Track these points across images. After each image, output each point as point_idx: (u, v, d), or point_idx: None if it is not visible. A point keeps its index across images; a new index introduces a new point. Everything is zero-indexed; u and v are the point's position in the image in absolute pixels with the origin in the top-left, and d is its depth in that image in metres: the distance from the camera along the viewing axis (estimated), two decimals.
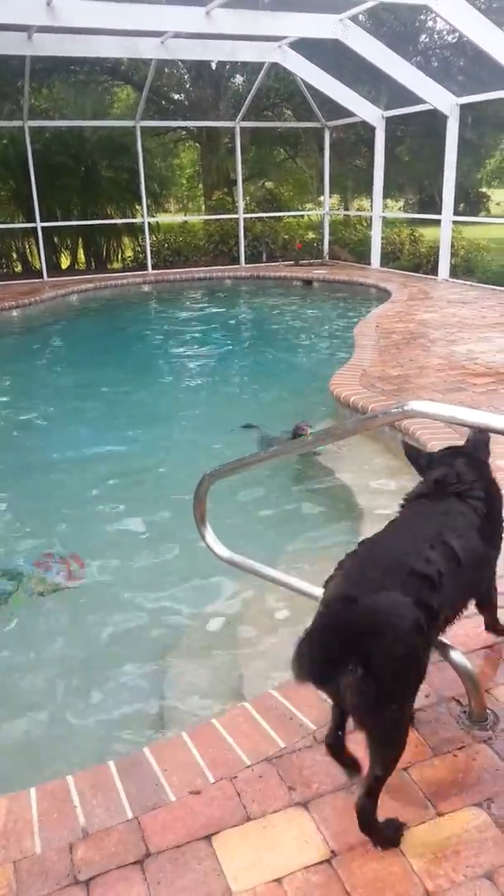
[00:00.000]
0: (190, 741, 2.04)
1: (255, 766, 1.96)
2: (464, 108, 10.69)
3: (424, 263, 12.54)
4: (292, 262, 14.42)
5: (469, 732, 2.07)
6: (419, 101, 10.64)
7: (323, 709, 2.16)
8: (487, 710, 2.13)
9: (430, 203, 14.07)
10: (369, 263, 13.40)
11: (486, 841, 1.74)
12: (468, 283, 11.20)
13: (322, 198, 15.43)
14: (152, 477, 4.93)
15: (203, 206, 19.47)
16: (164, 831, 1.77)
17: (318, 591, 2.50)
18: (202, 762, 1.96)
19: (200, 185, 21.45)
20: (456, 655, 2.09)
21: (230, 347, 9.30)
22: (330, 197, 15.85)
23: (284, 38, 11.10)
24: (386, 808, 1.82)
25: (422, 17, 17.69)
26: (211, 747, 2.02)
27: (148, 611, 3.29)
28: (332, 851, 1.71)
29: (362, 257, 13.95)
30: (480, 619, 2.59)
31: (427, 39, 18.55)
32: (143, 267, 13.96)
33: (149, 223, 13.94)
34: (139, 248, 14.69)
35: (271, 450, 2.47)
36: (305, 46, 11.52)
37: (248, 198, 16.98)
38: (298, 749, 2.01)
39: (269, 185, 18.15)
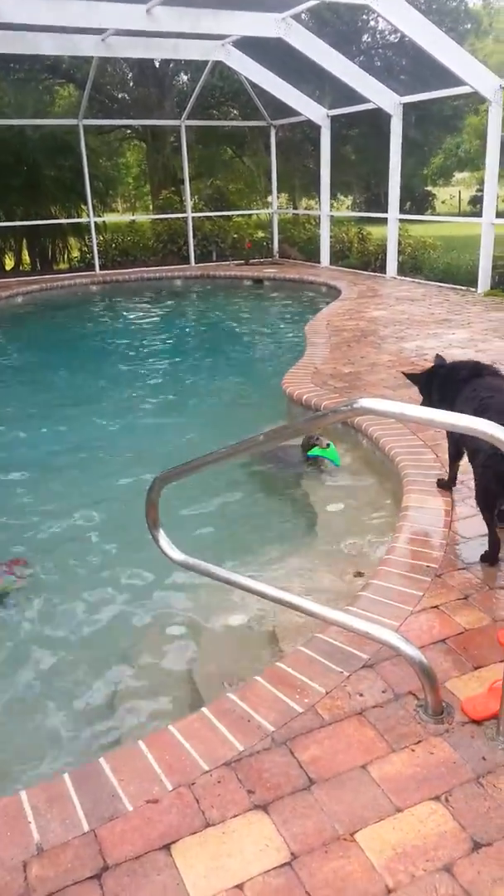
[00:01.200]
0: (146, 749, 2.00)
1: (214, 771, 1.93)
2: (407, 106, 10.84)
3: (373, 261, 12.68)
4: (242, 262, 14.42)
5: (426, 727, 2.09)
6: (363, 100, 10.75)
7: (281, 709, 2.15)
8: (443, 704, 2.15)
9: (378, 201, 14.25)
10: (319, 262, 13.49)
11: (444, 834, 1.75)
12: (416, 280, 11.37)
13: (270, 197, 15.47)
14: (103, 480, 4.86)
15: (151, 206, 19.32)
16: (122, 843, 1.73)
17: (274, 592, 2.50)
18: (159, 770, 1.93)
19: (147, 184, 21.28)
20: (411, 650, 2.10)
21: (181, 348, 9.24)
22: (278, 196, 15.90)
23: (228, 36, 11.08)
24: (344, 805, 1.82)
25: (364, 16, 17.91)
26: (168, 754, 1.99)
27: (101, 617, 3.24)
28: (293, 853, 1.70)
29: (312, 256, 14.03)
30: (434, 614, 2.63)
31: (370, 39, 18.80)
32: (91, 267, 13.77)
33: (95, 223, 13.76)
34: (86, 249, 14.49)
35: (223, 449, 2.44)
36: (249, 45, 11.52)
37: (196, 197, 16.90)
38: (257, 751, 2.00)
39: (217, 183, 18.09)
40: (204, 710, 2.16)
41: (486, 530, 3.01)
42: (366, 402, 2.12)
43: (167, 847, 1.72)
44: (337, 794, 1.86)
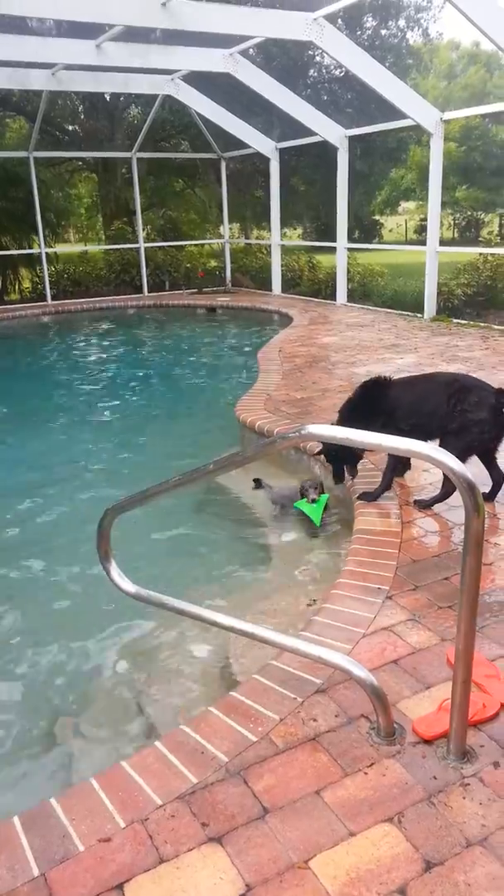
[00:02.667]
0: (99, 786, 1.97)
1: (167, 805, 1.91)
2: (352, 139, 11.16)
3: (323, 289, 12.92)
4: (195, 290, 14.53)
5: (378, 749, 2.10)
6: (310, 132, 11.03)
7: (235, 739, 2.15)
8: (395, 725, 2.17)
9: (327, 231, 14.55)
10: (271, 290, 13.68)
11: (398, 856, 1.76)
12: (365, 306, 11.61)
13: (222, 227, 15.67)
14: (54, 512, 4.80)
15: (103, 236, 19.36)
16: (73, 885, 1.70)
17: (227, 621, 2.50)
18: (111, 807, 1.90)
19: (99, 215, 21.34)
20: (362, 673, 2.12)
21: (133, 377, 9.23)
22: (230, 226, 16.12)
23: (177, 71, 11.28)
24: (298, 833, 1.82)
25: (310, 52, 18.39)
26: (121, 790, 1.96)
27: (51, 653, 3.18)
28: (247, 885, 1.69)
29: (264, 284, 14.23)
30: (386, 635, 2.66)
31: (316, 73, 19.27)
32: (42, 298, 13.71)
33: (46, 253, 13.72)
34: (37, 279, 14.43)
35: (174, 479, 2.45)
36: (198, 79, 11.75)
37: (148, 227, 17.02)
38: (211, 783, 1.98)
39: (169, 214, 18.26)
40: (157, 743, 2.14)
41: (435, 550, 3.07)
42: (312, 429, 2.16)
43: (120, 887, 1.69)
44: (291, 821, 1.86)
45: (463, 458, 3.62)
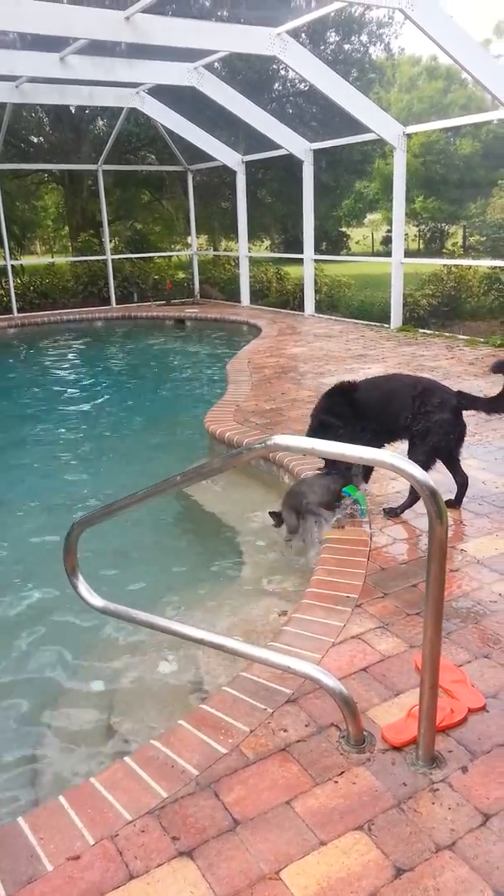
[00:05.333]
0: (67, 804, 1.95)
1: (137, 820, 1.90)
2: (317, 152, 11.29)
3: (291, 300, 13.01)
4: (164, 302, 14.54)
5: (348, 757, 2.12)
6: (275, 146, 11.13)
7: (205, 752, 2.14)
8: (364, 733, 2.18)
9: (295, 242, 14.68)
10: (239, 301, 13.74)
11: (368, 864, 1.77)
12: (333, 317, 11.72)
13: (190, 238, 15.71)
14: (20, 527, 4.75)
15: (70, 248, 19.28)
16: None
17: (197, 633, 2.50)
18: (80, 824, 1.88)
19: (66, 227, 21.26)
20: (330, 682, 2.14)
21: (102, 389, 9.19)
22: (197, 237, 16.17)
23: (142, 84, 11.32)
24: (269, 844, 1.82)
25: (274, 66, 18.61)
26: (90, 807, 1.94)
27: (17, 671, 3.14)
28: None
29: (232, 295, 14.29)
30: (355, 644, 2.68)
31: (281, 87, 19.49)
32: (8, 310, 13.59)
33: (12, 266, 13.62)
34: (2, 292, 14.30)
35: (141, 491, 2.45)
36: (163, 92, 11.80)
37: (116, 239, 16.99)
38: (181, 797, 1.98)
39: (137, 225, 18.25)
40: (127, 759, 2.13)
41: (403, 557, 3.11)
42: (279, 439, 2.18)
43: None
44: (262, 832, 1.86)
45: (431, 459, 3.75)
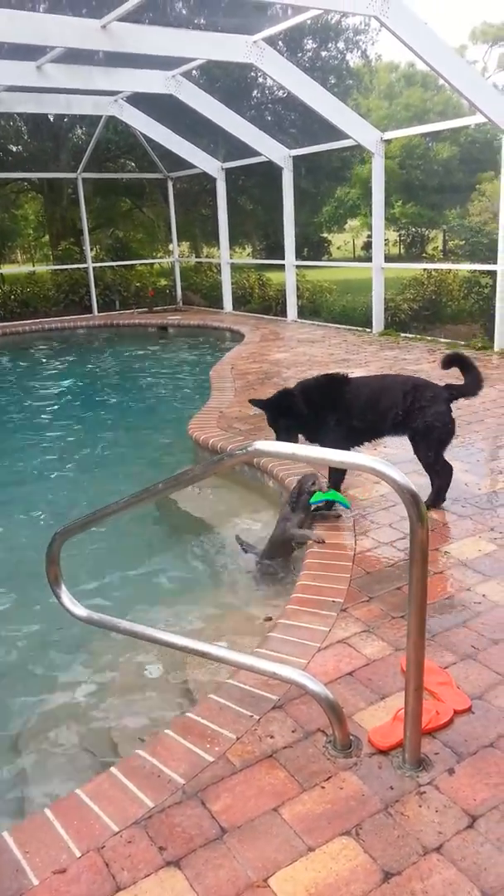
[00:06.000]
0: (53, 817, 1.93)
1: (124, 831, 1.89)
2: (297, 159, 11.35)
3: (274, 306, 13.04)
4: (146, 310, 14.52)
5: (335, 762, 2.11)
6: (255, 153, 11.18)
7: (191, 760, 2.13)
8: (351, 737, 2.18)
9: (277, 248, 14.70)
10: (222, 308, 13.75)
11: (356, 869, 1.77)
12: (315, 322, 11.76)
13: (171, 245, 15.71)
14: (2, 536, 4.72)
15: (51, 256, 19.21)
16: None
17: (182, 641, 2.49)
18: (67, 837, 1.87)
19: (46, 235, 21.20)
20: (316, 687, 2.14)
21: (85, 397, 9.15)
22: (179, 244, 16.17)
23: (120, 92, 11.32)
24: (256, 851, 1.81)
25: (252, 73, 18.69)
26: (76, 819, 1.92)
27: (3, 684, 3.11)
28: None
29: (215, 302, 14.29)
30: (341, 648, 2.68)
31: (259, 94, 19.55)
32: None
33: None
34: None
35: (123, 500, 2.44)
36: (142, 100, 11.81)
37: (97, 247, 16.96)
38: (168, 806, 1.97)
39: (118, 233, 18.22)
40: (113, 769, 2.11)
41: (388, 560, 3.12)
42: (260, 445, 2.18)
43: None
44: (249, 840, 1.85)
45: (439, 453, 3.91)
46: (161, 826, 1.90)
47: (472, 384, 3.93)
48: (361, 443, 4.08)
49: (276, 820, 1.92)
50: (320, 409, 3.91)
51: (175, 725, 2.29)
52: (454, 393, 3.92)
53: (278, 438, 4.00)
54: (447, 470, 3.99)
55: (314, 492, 3.75)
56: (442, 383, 3.98)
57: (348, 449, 3.95)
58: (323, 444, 3.80)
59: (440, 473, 3.96)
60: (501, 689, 2.42)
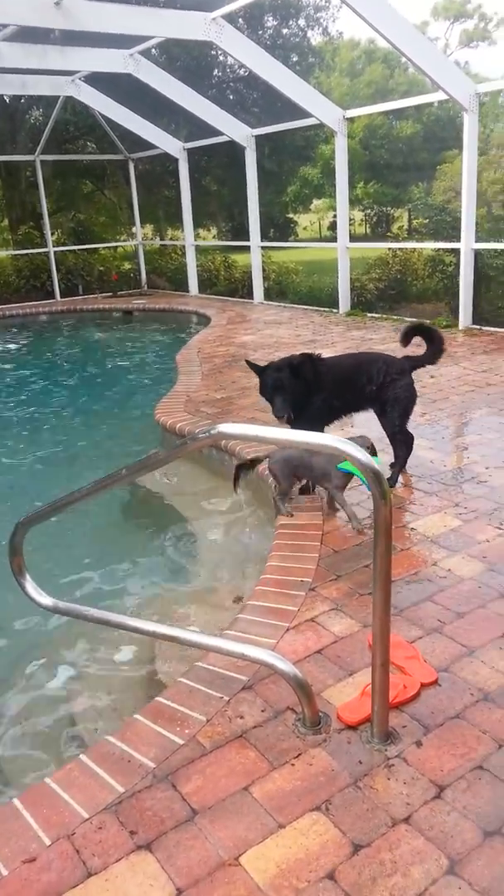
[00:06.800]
0: (22, 806, 1.92)
1: (94, 817, 1.88)
2: (260, 138, 11.23)
3: (240, 288, 12.96)
4: (110, 294, 14.34)
5: (304, 739, 2.13)
6: (217, 132, 11.04)
7: (161, 744, 2.14)
8: (320, 714, 2.20)
9: (242, 229, 14.58)
10: (188, 291, 13.63)
11: (326, 843, 1.79)
12: (282, 304, 11.73)
13: (134, 228, 15.50)
14: None
15: (10, 241, 18.83)
16: None
17: (150, 627, 2.49)
18: (36, 825, 1.86)
19: (5, 220, 20.75)
20: (285, 666, 2.15)
21: (50, 384, 9.03)
22: (142, 227, 15.96)
23: (77, 72, 11.08)
24: (228, 831, 1.82)
25: (213, 52, 18.44)
26: (45, 808, 1.92)
27: None
28: (178, 888, 1.68)
29: (180, 285, 14.17)
30: (309, 627, 2.70)
31: (220, 73, 19.31)
32: None
33: None
34: None
35: (86, 487, 2.41)
36: (100, 80, 11.58)
37: (58, 231, 16.67)
38: (138, 790, 1.97)
39: (79, 216, 17.90)
40: (82, 756, 2.11)
41: (356, 539, 3.15)
42: (224, 428, 2.16)
43: None
44: (220, 820, 1.86)
45: (404, 422, 4.07)
46: (132, 811, 1.90)
47: (434, 352, 4.12)
48: (334, 420, 4.14)
49: (247, 799, 1.93)
50: (306, 387, 3.93)
51: (145, 710, 2.29)
52: (415, 364, 4.14)
53: (281, 409, 3.88)
54: (410, 438, 4.15)
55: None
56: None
57: (323, 427, 4.03)
58: (304, 422, 3.85)
59: (405, 441, 4.12)
60: (467, 662, 2.46)
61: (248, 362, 4.13)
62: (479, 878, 1.67)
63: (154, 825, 1.85)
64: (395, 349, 7.63)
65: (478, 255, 8.53)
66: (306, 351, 4.15)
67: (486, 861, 1.72)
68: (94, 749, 2.14)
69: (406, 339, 4.12)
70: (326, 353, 7.46)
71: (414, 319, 9.43)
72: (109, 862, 1.75)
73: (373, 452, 3.41)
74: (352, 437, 3.48)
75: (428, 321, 8.52)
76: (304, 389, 3.89)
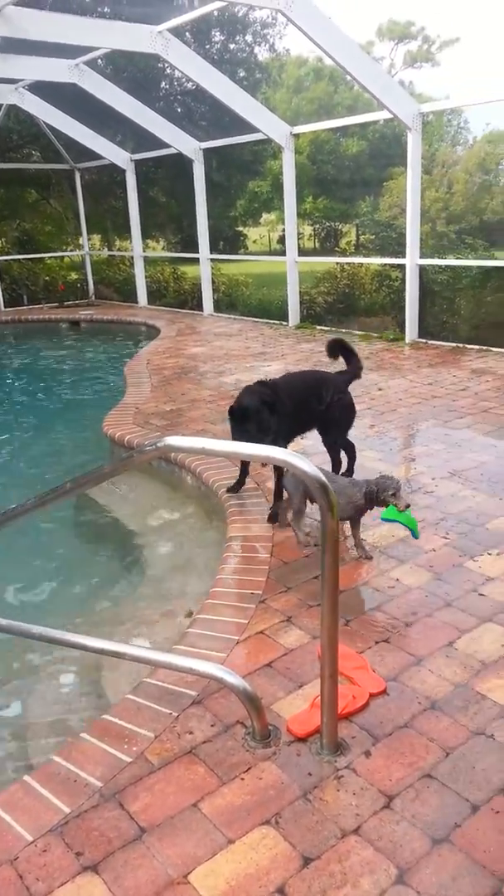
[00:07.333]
0: None
1: (39, 840, 1.83)
2: (207, 151, 11.28)
3: (189, 300, 12.96)
4: (57, 304, 14.14)
5: (254, 753, 2.12)
6: (165, 144, 11.04)
7: (109, 762, 2.10)
8: (270, 727, 2.20)
9: (191, 242, 14.57)
10: (136, 302, 13.55)
11: (276, 857, 1.78)
12: (232, 316, 11.77)
13: (81, 239, 15.35)
14: None
15: None
16: None
17: (96, 643, 2.44)
18: None
19: None
20: (234, 680, 2.14)
21: None
22: (90, 237, 15.82)
23: (20, 80, 10.95)
24: (176, 848, 1.80)
25: (160, 64, 18.47)
26: None
27: None
28: None
29: (129, 296, 14.07)
30: (260, 640, 2.70)
31: (168, 86, 19.33)
32: None
33: None
34: None
35: (27, 503, 2.36)
36: (44, 89, 11.44)
37: (2, 239, 16.40)
38: (85, 810, 1.92)
39: (24, 225, 17.62)
40: (27, 778, 2.05)
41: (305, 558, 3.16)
42: (170, 441, 2.16)
43: None
44: (169, 838, 1.84)
45: (346, 434, 4.23)
46: (78, 831, 1.86)
47: (357, 367, 4.29)
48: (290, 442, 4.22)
49: (196, 815, 1.91)
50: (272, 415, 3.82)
51: (91, 729, 2.25)
52: (349, 380, 4.27)
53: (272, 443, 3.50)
54: (352, 445, 4.31)
55: (389, 503, 3.17)
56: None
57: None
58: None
59: (348, 449, 4.28)
60: (415, 671, 2.49)
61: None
62: (427, 887, 1.69)
63: (101, 845, 1.81)
64: (342, 361, 7.73)
65: (422, 270, 8.73)
66: (258, 381, 3.98)
67: (434, 869, 1.73)
68: (40, 770, 2.09)
69: (333, 354, 4.33)
70: (276, 366, 7.52)
71: (362, 333, 9.60)
72: (54, 886, 1.71)
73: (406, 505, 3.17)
74: (382, 476, 3.28)
75: (378, 343, 8.68)
76: (270, 426, 3.74)
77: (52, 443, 6.69)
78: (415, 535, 3.25)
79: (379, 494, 3.19)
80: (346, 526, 3.45)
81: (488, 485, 4.15)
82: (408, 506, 3.17)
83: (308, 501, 3.42)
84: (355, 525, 3.39)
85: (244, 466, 4.19)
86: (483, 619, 2.80)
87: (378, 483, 3.22)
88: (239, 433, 3.69)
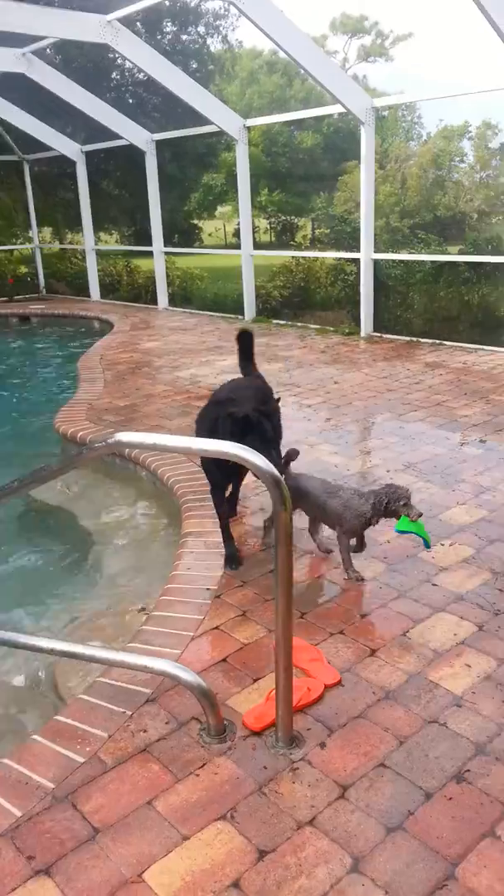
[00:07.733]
0: None
1: None
2: (160, 143, 11.17)
3: (144, 293, 12.82)
4: (6, 299, 13.84)
5: (209, 748, 2.12)
6: (116, 136, 10.90)
7: (61, 763, 2.06)
8: (225, 722, 2.19)
9: (145, 235, 14.40)
10: (89, 296, 13.36)
11: (231, 852, 1.78)
12: (187, 310, 11.69)
13: (31, 232, 15.06)
14: None
15: None
16: None
17: (46, 644, 2.40)
18: None
19: None
20: (188, 676, 2.13)
21: None
22: (40, 230, 15.53)
23: None
24: (130, 847, 1.78)
25: (111, 54, 18.21)
26: None
27: None
28: None
29: (81, 290, 13.86)
30: (215, 635, 2.69)
31: (119, 76, 19.09)
32: None
33: None
34: None
35: None
36: None
37: None
38: (37, 813, 1.89)
39: None
40: None
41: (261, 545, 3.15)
42: (121, 437, 2.13)
43: None
44: (123, 837, 1.82)
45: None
46: (29, 835, 1.83)
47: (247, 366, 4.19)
48: None
49: (151, 813, 1.89)
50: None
51: (43, 730, 2.21)
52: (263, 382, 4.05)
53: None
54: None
55: (401, 514, 2.96)
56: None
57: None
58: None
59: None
60: (369, 661, 2.52)
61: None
62: (381, 874, 1.71)
63: (53, 848, 1.79)
64: (298, 355, 7.77)
65: (377, 265, 8.80)
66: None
67: (387, 857, 1.75)
68: None
69: (243, 344, 4.16)
70: (231, 361, 7.49)
71: (318, 327, 9.64)
72: (5, 892, 1.67)
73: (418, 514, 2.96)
74: (388, 484, 3.07)
75: (334, 337, 8.73)
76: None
77: (1, 441, 6.54)
78: (427, 545, 3.04)
79: (389, 505, 2.96)
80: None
81: (441, 477, 4.21)
82: (420, 515, 2.95)
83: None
84: (346, 543, 3.11)
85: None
86: (436, 608, 2.84)
87: (387, 493, 2.98)
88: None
